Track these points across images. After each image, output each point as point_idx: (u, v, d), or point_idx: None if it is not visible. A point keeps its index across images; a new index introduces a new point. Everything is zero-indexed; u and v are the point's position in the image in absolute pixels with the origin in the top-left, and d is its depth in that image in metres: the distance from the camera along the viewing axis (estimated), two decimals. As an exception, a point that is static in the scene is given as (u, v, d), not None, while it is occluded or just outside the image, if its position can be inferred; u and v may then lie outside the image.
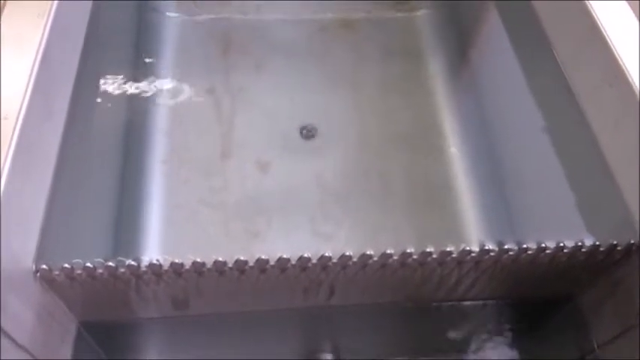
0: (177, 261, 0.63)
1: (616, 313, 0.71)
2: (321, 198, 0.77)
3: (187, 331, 0.81)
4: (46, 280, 0.62)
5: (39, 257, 0.62)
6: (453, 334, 0.86)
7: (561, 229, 0.69)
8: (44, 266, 0.61)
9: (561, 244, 0.66)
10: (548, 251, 0.66)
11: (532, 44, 0.87)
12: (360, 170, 0.80)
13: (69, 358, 0.70)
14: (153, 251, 0.70)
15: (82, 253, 0.63)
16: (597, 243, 0.66)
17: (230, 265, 0.64)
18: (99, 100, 0.79)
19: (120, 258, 0.62)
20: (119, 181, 0.74)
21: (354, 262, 0.65)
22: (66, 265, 0.61)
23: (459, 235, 0.75)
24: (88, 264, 0.61)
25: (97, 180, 0.72)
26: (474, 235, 0.75)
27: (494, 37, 0.94)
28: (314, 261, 0.65)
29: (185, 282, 0.66)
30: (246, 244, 0.72)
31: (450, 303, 0.77)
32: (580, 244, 0.66)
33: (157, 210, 0.75)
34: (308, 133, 0.84)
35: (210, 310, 0.74)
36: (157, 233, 0.72)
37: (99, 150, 0.75)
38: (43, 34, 0.69)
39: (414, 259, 0.66)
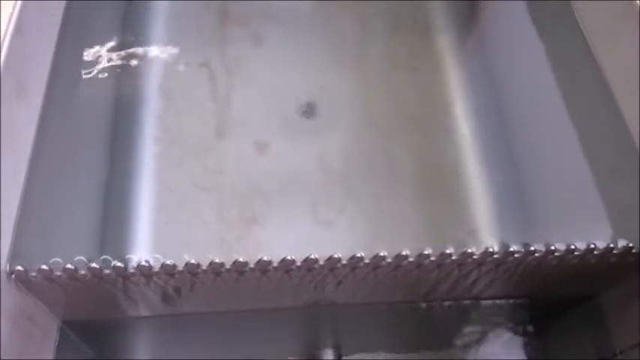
0: (168, 262, 0.57)
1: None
2: (323, 181, 0.73)
3: (181, 329, 0.77)
4: (23, 281, 0.57)
5: (13, 257, 0.57)
6: (463, 332, 0.83)
7: (580, 219, 0.65)
8: (19, 267, 0.56)
9: (592, 246, 0.62)
10: (577, 253, 0.62)
11: (554, 17, 0.82)
12: (365, 152, 0.76)
13: (51, 358, 0.66)
14: (142, 239, 0.65)
15: (63, 246, 0.59)
16: (630, 245, 0.62)
17: (228, 266, 0.58)
18: (81, 75, 0.75)
19: (105, 257, 0.57)
20: (105, 164, 0.70)
21: (366, 264, 0.61)
22: (44, 267, 0.56)
23: (470, 223, 0.69)
24: (69, 265, 0.56)
25: (79, 165, 0.68)
26: (485, 224, 0.69)
27: (510, 8, 0.88)
28: (321, 262, 0.60)
29: (177, 282, 0.60)
30: (243, 230, 0.67)
31: (463, 302, 0.74)
32: (612, 245, 0.62)
33: (147, 194, 0.70)
34: (310, 111, 0.79)
35: (205, 308, 0.70)
36: (147, 219, 0.67)
37: (82, 131, 0.70)
38: (16, -1, 0.64)
39: (431, 261, 0.61)
